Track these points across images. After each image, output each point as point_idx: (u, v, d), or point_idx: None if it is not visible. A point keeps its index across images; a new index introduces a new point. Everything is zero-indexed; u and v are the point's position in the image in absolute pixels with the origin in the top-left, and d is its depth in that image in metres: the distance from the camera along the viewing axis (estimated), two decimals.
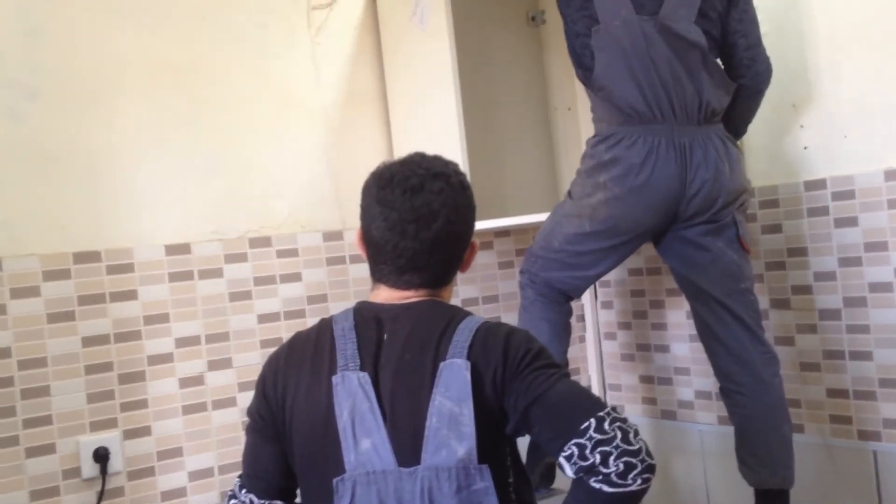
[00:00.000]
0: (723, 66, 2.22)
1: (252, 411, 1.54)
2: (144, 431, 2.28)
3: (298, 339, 1.54)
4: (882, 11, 2.26)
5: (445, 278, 1.53)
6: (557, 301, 2.28)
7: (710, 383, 2.63)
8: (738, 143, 2.32)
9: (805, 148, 2.44)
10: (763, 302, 2.44)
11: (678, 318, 2.76)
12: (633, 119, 2.11)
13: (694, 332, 2.37)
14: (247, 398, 2.33)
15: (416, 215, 1.45)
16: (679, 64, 2.10)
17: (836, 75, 2.36)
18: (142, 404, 2.28)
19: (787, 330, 2.51)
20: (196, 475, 2.34)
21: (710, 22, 2.15)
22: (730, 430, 2.30)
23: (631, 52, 2.09)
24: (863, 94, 2.31)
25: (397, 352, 1.43)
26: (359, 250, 1.56)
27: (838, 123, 2.36)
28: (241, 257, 2.44)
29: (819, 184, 2.40)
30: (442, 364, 1.40)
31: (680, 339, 2.77)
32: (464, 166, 2.30)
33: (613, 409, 1.35)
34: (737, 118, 2.28)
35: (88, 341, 2.22)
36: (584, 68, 2.17)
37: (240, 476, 1.55)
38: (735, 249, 2.19)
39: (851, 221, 2.34)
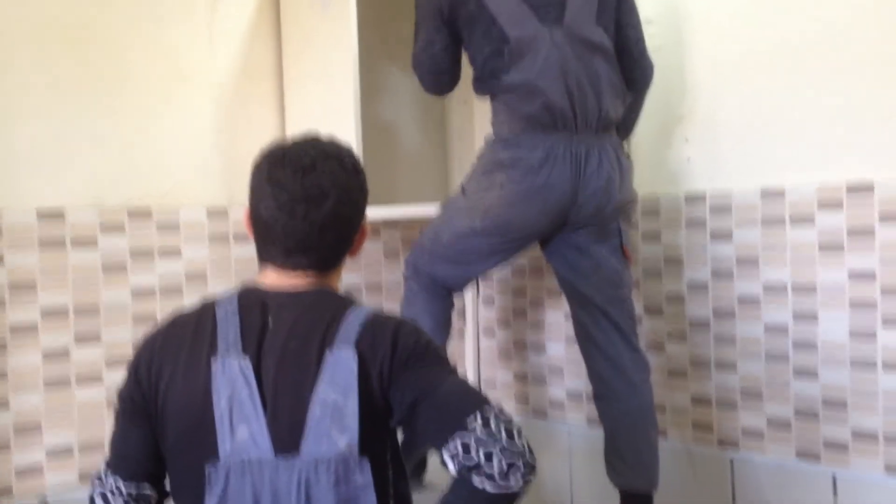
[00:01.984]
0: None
1: (122, 394, 1.48)
2: (1, 405, 2.16)
3: (177, 321, 1.49)
4: (764, 34, 2.35)
5: (334, 261, 1.51)
6: (441, 294, 2.29)
7: (581, 384, 2.69)
8: (627, 151, 2.38)
9: (688, 160, 2.52)
10: (637, 308, 2.51)
11: (556, 318, 2.81)
12: (536, 128, 2.13)
13: (570, 333, 2.42)
14: (114, 375, 2.27)
15: (306, 195, 1.42)
16: (584, 73, 2.13)
17: (720, 92, 2.44)
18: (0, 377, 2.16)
19: (657, 336, 2.59)
20: (54, 453, 2.24)
21: (607, 18, 2.19)
22: (597, 431, 2.36)
23: (541, 65, 2.11)
24: (744, 113, 2.40)
25: (282, 339, 1.40)
26: (246, 230, 1.52)
27: (720, 139, 2.45)
28: (119, 228, 2.35)
29: (699, 197, 2.49)
30: (328, 354, 1.38)
31: (556, 340, 2.82)
32: (357, 151, 2.28)
33: (500, 408, 1.36)
34: (627, 115, 2.32)
35: None
36: (489, 87, 2.19)
37: (106, 460, 1.49)
38: (617, 258, 2.25)
39: (726, 236, 2.44)
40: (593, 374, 2.29)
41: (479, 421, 1.33)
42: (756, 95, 2.37)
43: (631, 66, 2.27)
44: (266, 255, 1.48)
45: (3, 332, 2.17)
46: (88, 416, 2.29)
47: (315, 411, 1.35)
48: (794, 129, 2.31)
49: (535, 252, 2.47)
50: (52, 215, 2.25)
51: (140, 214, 2.38)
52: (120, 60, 2.36)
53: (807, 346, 2.29)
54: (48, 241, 2.23)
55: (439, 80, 2.32)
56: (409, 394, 1.37)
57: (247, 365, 1.38)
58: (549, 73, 2.11)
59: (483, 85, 2.22)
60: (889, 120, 2.15)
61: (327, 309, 1.43)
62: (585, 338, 2.28)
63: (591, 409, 2.54)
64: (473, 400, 1.37)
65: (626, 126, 2.34)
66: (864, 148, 2.19)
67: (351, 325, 1.40)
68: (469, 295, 2.96)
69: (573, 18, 2.13)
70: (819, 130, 2.26)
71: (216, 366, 1.38)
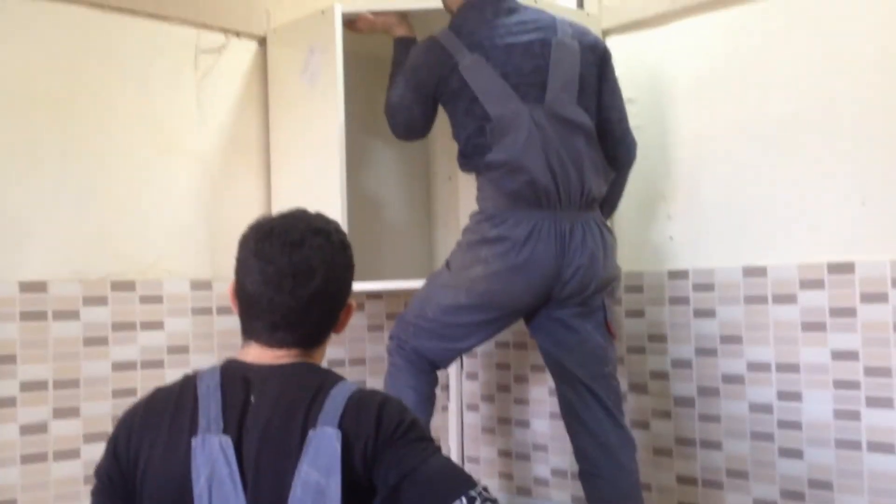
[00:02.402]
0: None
1: (100, 471, 1.45)
2: None
3: (158, 396, 1.47)
4: (745, 113, 2.40)
5: (319, 338, 1.50)
6: (425, 370, 2.28)
7: (566, 461, 2.67)
8: (610, 225, 2.39)
9: (671, 238, 2.55)
10: (622, 385, 2.50)
11: (540, 394, 2.79)
12: (521, 204, 2.15)
13: (554, 409, 2.40)
14: (92, 450, 2.23)
15: (294, 270, 1.42)
16: (565, 152, 2.16)
17: (702, 171, 2.48)
18: None
19: (643, 414, 2.57)
20: None
21: (588, 99, 2.23)
22: None
23: (523, 143, 2.13)
24: (726, 192, 2.43)
25: (265, 416, 1.39)
26: (231, 305, 1.51)
27: (703, 217, 2.48)
28: (101, 300, 2.33)
29: (682, 274, 2.50)
30: (311, 432, 1.36)
31: (540, 416, 2.80)
32: (343, 226, 2.29)
33: (485, 488, 1.34)
34: (611, 192, 2.34)
35: None
36: (474, 164, 2.22)
37: None
38: (602, 333, 2.24)
39: (710, 313, 2.44)
40: (578, 452, 2.27)
41: (464, 503, 1.31)
42: (737, 174, 2.41)
43: (614, 145, 2.31)
44: (250, 331, 1.47)
45: None
46: (66, 493, 2.23)
47: (297, 492, 1.33)
48: (775, 208, 2.34)
49: (519, 327, 2.47)
50: (35, 288, 2.23)
51: (123, 287, 2.37)
52: (106, 130, 2.37)
53: (791, 425, 2.28)
54: (29, 314, 2.22)
55: (410, 135, 2.38)
56: (393, 474, 1.35)
57: (227, 443, 1.36)
58: (531, 151, 2.13)
59: (468, 161, 2.24)
60: (868, 201, 2.18)
61: (311, 385, 1.42)
62: (570, 414, 2.27)
63: (576, 487, 2.51)
64: (458, 481, 1.35)
65: (609, 203, 2.37)
66: (844, 228, 2.22)
67: (335, 403, 1.38)
68: (453, 369, 2.95)
69: (554, 98, 2.17)
70: (800, 210, 2.29)
71: (196, 443, 1.36)
